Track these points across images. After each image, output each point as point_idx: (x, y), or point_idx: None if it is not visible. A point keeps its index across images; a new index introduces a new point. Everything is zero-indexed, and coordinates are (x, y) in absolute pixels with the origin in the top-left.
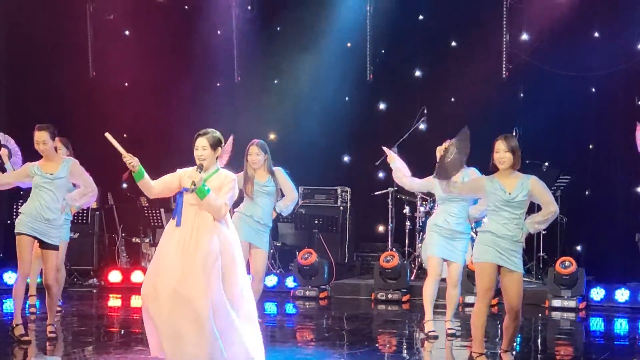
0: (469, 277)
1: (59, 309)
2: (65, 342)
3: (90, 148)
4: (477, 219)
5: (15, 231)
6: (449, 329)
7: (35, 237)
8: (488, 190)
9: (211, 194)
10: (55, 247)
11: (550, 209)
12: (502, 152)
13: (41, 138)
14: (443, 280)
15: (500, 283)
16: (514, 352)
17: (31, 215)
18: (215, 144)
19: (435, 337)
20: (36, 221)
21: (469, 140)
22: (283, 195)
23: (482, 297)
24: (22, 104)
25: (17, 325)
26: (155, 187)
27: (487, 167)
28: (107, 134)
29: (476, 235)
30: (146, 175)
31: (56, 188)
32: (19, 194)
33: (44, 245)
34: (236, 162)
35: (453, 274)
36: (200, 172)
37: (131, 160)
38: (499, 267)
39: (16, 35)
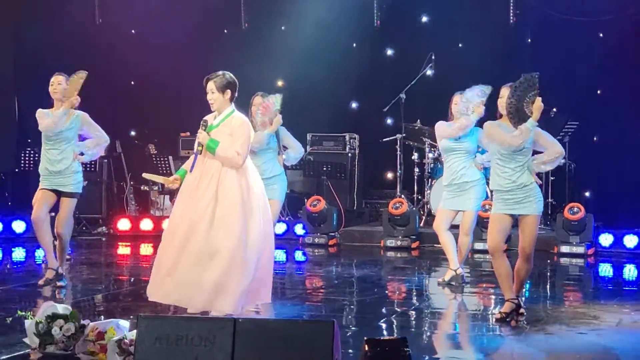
0: (478, 224)
1: (68, 257)
2: (75, 290)
3: (98, 96)
4: (485, 166)
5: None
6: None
7: (54, 190)
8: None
9: (220, 148)
10: (72, 195)
11: (556, 149)
12: (506, 98)
13: (56, 80)
14: (456, 227)
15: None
16: (523, 298)
17: (45, 173)
18: (224, 87)
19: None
20: (50, 176)
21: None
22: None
23: (494, 254)
24: (27, 52)
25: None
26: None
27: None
28: (145, 175)
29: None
30: (186, 171)
31: (62, 141)
32: (27, 142)
33: (61, 194)
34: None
35: (465, 221)
36: (204, 130)
37: (174, 186)
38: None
39: None
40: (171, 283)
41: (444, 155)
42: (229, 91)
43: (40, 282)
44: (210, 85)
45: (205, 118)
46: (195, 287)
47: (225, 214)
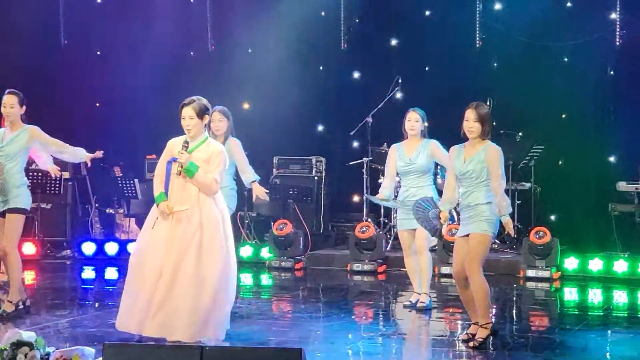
0: (444, 247)
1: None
2: (39, 316)
3: (62, 117)
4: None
5: None
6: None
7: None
8: (454, 161)
9: (199, 173)
10: (18, 210)
11: (494, 183)
12: (471, 122)
13: (9, 101)
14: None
15: None
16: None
17: None
18: (202, 112)
19: (411, 307)
20: None
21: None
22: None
23: (460, 281)
24: None
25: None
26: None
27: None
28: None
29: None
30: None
31: (7, 156)
32: None
33: (7, 211)
34: None
35: (419, 242)
36: (185, 151)
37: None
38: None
39: None
40: (162, 316)
41: (401, 177)
42: (206, 116)
43: None
44: (189, 112)
45: (183, 139)
46: (186, 317)
47: (210, 241)
